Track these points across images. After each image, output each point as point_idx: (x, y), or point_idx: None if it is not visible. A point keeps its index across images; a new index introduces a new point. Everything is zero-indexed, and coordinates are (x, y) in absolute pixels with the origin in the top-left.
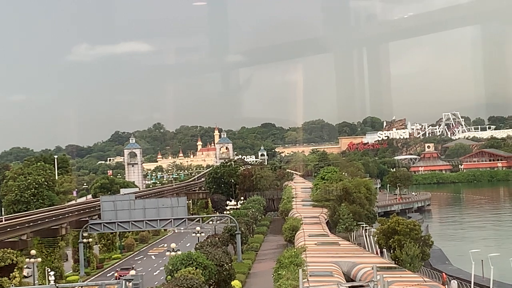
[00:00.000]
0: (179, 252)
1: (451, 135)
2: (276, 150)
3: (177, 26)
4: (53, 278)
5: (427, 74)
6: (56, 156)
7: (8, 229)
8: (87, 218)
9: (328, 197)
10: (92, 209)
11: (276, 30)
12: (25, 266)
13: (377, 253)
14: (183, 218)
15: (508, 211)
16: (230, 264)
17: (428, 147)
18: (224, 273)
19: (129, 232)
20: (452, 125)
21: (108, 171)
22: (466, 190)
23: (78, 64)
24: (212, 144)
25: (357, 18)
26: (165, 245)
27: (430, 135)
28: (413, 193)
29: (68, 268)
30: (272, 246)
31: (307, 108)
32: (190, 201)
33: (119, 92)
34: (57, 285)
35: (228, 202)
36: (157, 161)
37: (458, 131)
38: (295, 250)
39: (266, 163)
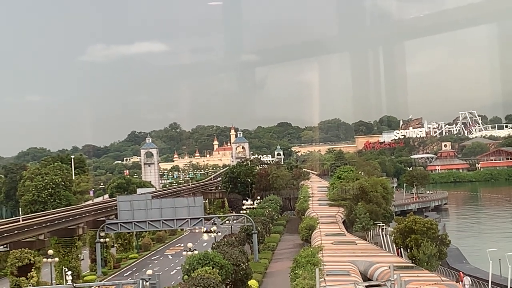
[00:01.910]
0: (196, 252)
1: (468, 134)
2: (292, 149)
3: (192, 26)
4: (70, 278)
5: (443, 73)
6: (73, 156)
7: (26, 229)
8: (104, 218)
9: (344, 196)
10: (109, 209)
11: (291, 29)
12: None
13: (398, 254)
14: (199, 218)
15: None
16: (246, 264)
17: (445, 145)
18: (241, 272)
19: (145, 231)
20: (469, 124)
21: (125, 171)
22: (483, 189)
23: (94, 64)
24: (229, 144)
25: (372, 17)
26: (182, 244)
27: (446, 133)
28: (429, 192)
29: (85, 268)
30: (288, 246)
31: (323, 107)
32: (206, 201)
33: (135, 92)
34: (74, 284)
35: (244, 201)
36: (173, 161)
37: (475, 129)
38: (311, 249)
39: (282, 163)
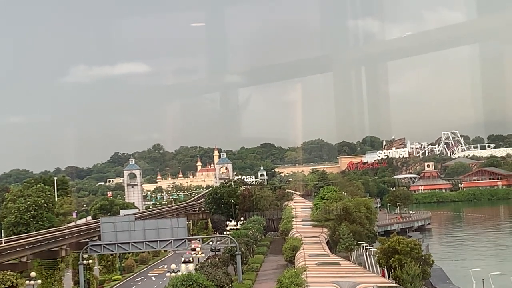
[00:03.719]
0: (179, 273)
1: (450, 154)
2: (275, 170)
3: (175, 47)
4: None
5: (426, 93)
6: (55, 178)
7: (8, 251)
8: (87, 240)
9: (328, 217)
10: (92, 230)
11: (274, 50)
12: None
13: (383, 275)
14: (183, 239)
15: (509, 230)
16: (230, 285)
17: (428, 166)
18: None
19: (129, 253)
20: (452, 144)
21: (108, 193)
22: (466, 208)
23: (76, 85)
24: (212, 165)
25: (355, 37)
26: (165, 266)
27: (429, 154)
28: (412, 212)
29: None
30: (272, 266)
31: (306, 128)
32: (190, 222)
33: (117, 113)
34: None
35: (228, 222)
36: (156, 182)
37: (458, 150)
38: (295, 270)
39: (265, 183)
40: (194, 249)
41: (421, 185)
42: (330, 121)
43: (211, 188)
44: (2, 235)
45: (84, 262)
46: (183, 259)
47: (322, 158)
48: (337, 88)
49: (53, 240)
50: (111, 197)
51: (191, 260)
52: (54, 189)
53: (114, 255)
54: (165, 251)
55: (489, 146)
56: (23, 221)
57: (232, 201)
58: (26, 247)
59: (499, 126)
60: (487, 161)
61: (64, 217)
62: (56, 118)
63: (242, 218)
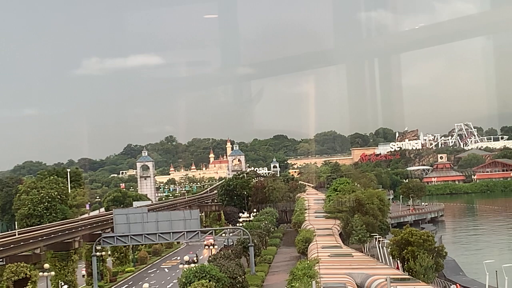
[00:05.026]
0: (192, 265)
1: (463, 146)
2: (288, 161)
3: (187, 39)
4: None
5: (439, 85)
6: (68, 170)
7: (22, 243)
8: (100, 232)
9: (341, 209)
10: (105, 222)
11: (287, 42)
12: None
13: (397, 267)
14: (196, 231)
15: None
16: (243, 277)
17: (441, 157)
18: (238, 285)
19: (142, 245)
20: (465, 136)
21: (121, 184)
22: (479, 200)
23: (89, 77)
24: (225, 157)
25: (368, 29)
26: (178, 257)
27: (442, 145)
28: (425, 204)
29: (81, 282)
30: (285, 258)
31: (319, 120)
32: (202, 214)
33: (130, 105)
34: None
35: (240, 214)
36: (169, 174)
37: (471, 141)
38: (308, 262)
39: (278, 175)
40: (207, 245)
41: (434, 177)
42: (343, 112)
43: (223, 180)
44: (16, 226)
45: (97, 253)
46: (187, 259)
47: (335, 149)
48: (350, 79)
49: (67, 232)
50: (124, 189)
51: (195, 261)
52: (67, 181)
53: (127, 246)
54: (178, 242)
55: (502, 138)
56: (37, 213)
57: (245, 193)
58: (40, 238)
59: None
60: (500, 153)
61: (77, 209)
62: (69, 110)
63: (254, 210)
